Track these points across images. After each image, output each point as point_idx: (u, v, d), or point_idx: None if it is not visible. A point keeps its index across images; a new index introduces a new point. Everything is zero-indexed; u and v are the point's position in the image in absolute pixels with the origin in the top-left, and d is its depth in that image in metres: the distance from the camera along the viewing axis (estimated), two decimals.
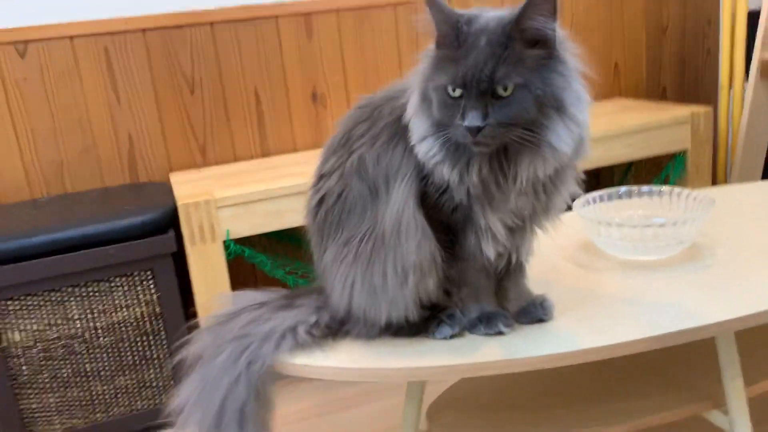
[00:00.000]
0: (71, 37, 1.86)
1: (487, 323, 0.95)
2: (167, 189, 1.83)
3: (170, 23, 1.93)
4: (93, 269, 1.58)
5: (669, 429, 1.40)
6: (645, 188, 1.28)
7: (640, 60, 2.54)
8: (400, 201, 0.90)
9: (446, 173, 0.85)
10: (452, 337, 0.95)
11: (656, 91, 2.59)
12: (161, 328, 1.68)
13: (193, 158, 2.04)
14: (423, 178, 0.90)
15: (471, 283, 0.95)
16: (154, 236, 1.62)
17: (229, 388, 0.92)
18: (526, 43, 0.79)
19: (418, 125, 0.86)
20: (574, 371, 1.26)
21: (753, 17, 2.24)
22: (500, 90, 0.78)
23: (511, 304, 0.99)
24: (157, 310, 1.66)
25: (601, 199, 1.27)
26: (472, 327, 0.96)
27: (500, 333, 0.94)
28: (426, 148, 0.85)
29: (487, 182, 0.84)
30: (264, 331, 0.96)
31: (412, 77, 0.90)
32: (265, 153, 2.11)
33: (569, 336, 0.93)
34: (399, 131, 0.91)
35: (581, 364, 1.30)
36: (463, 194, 0.86)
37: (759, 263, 1.10)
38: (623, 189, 1.28)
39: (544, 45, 0.79)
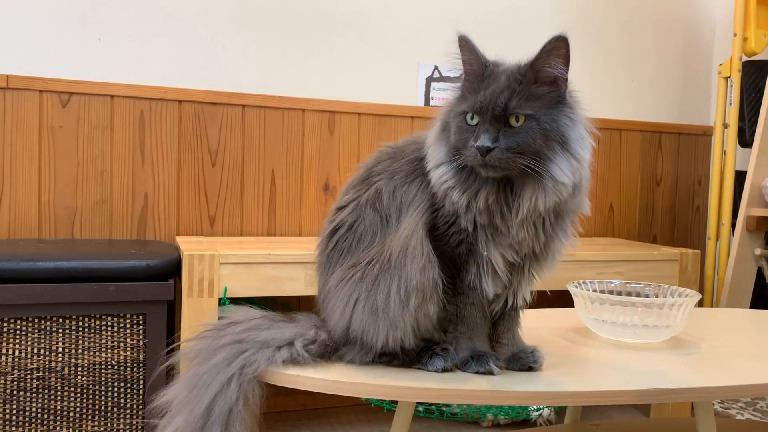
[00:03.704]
0: (112, 96, 2.00)
1: (479, 361, 0.97)
2: (173, 246, 1.88)
3: (206, 99, 2.08)
4: (88, 303, 1.59)
5: None
6: (636, 283, 1.34)
7: (634, 206, 2.69)
8: (410, 227, 0.96)
9: (456, 198, 0.92)
10: (444, 370, 0.97)
11: (647, 237, 2.72)
12: (141, 377, 1.65)
13: (201, 226, 2.11)
14: (434, 211, 0.97)
15: (467, 321, 0.99)
16: (154, 281, 1.65)
17: (220, 389, 0.93)
18: (539, 83, 0.90)
19: (435, 152, 0.95)
20: None
21: (740, 176, 2.41)
22: (512, 120, 0.88)
23: (503, 349, 1.02)
24: (141, 357, 1.65)
25: (593, 286, 1.33)
26: (463, 364, 0.98)
27: (490, 372, 0.96)
28: (440, 173, 0.94)
29: (492, 211, 0.91)
30: (262, 339, 0.98)
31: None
32: (271, 233, 2.19)
33: (556, 381, 0.95)
34: (418, 168, 1.00)
35: None
36: (469, 222, 0.93)
37: (740, 357, 1.14)
38: (616, 282, 1.35)
39: (555, 86, 0.90)
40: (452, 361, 0.98)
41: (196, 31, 2.09)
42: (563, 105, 0.90)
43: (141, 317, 1.65)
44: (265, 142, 2.17)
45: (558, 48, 0.88)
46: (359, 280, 0.97)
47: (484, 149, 0.87)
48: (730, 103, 2.40)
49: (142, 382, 1.65)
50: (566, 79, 0.90)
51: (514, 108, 0.87)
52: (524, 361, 1.00)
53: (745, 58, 2.39)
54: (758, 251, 2.31)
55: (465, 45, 0.93)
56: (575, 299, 1.26)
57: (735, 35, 2.36)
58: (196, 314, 1.66)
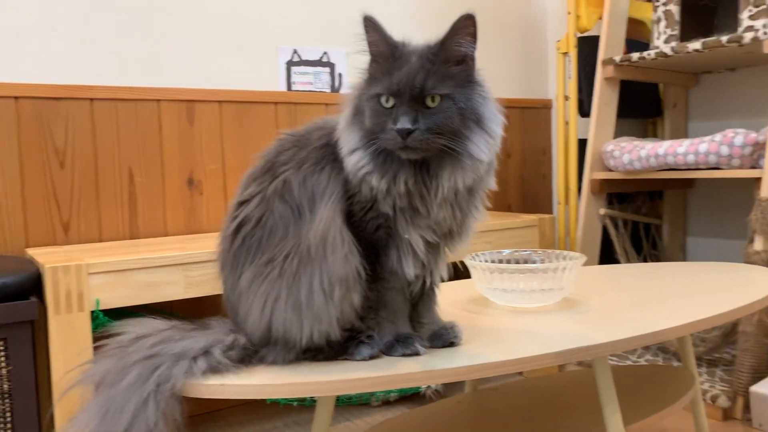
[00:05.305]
0: None
1: (404, 344, 0.97)
2: (26, 260, 1.69)
3: (47, 94, 1.88)
4: None
5: None
6: (523, 251, 1.41)
7: None
8: (326, 217, 0.93)
9: (375, 183, 0.91)
10: (371, 358, 0.96)
11: (503, 207, 2.87)
12: (8, 410, 1.47)
13: (54, 235, 1.91)
14: (348, 198, 0.95)
15: (389, 305, 0.98)
16: (12, 302, 1.47)
17: (136, 411, 0.85)
18: (450, 62, 0.91)
19: (348, 137, 0.92)
20: (470, 416, 1.29)
21: (581, 144, 2.62)
22: (428, 100, 0.88)
23: (424, 328, 1.03)
24: (6, 387, 1.47)
25: (485, 256, 1.38)
26: (389, 348, 0.97)
27: (416, 353, 0.97)
28: (356, 159, 0.91)
29: (412, 194, 0.91)
30: (176, 351, 0.91)
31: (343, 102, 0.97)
32: (134, 235, 2.03)
33: (480, 354, 0.98)
34: (327, 155, 0.97)
35: (479, 410, 1.34)
36: (389, 206, 0.92)
37: (626, 310, 1.24)
38: (506, 251, 1.41)
39: (465, 64, 0.91)
40: (378, 347, 0.97)
41: (31, 19, 1.87)
42: (474, 83, 0.91)
43: (1, 343, 1.46)
44: (119, 137, 2.00)
45: (467, 26, 0.89)
46: (277, 277, 0.93)
47: (405, 131, 0.86)
48: (569, 77, 2.59)
49: (9, 414, 1.47)
50: (474, 58, 0.92)
51: (431, 89, 0.87)
52: (446, 338, 1.02)
53: (578, 35, 2.58)
54: (602, 211, 2.53)
55: (371, 26, 0.91)
56: (473, 271, 1.30)
57: (569, 14, 2.54)
58: (67, 332, 1.51)
